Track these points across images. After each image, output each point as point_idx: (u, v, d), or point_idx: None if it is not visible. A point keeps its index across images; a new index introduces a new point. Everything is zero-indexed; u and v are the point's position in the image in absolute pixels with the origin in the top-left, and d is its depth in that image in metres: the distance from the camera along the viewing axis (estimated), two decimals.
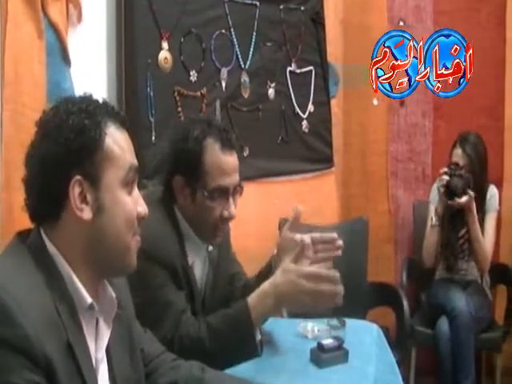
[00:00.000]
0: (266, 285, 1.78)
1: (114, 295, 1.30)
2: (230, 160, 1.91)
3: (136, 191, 1.28)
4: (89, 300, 1.21)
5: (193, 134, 1.89)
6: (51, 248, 1.20)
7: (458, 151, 3.47)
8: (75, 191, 1.18)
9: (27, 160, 1.23)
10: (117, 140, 1.23)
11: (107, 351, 1.28)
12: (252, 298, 1.78)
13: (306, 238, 1.84)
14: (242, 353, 1.78)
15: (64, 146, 1.17)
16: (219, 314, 1.82)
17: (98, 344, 1.26)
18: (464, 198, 3.32)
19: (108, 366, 1.29)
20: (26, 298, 1.08)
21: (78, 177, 1.17)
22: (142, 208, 1.28)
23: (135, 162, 1.27)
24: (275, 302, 1.76)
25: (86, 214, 1.19)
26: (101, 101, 1.27)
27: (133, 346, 1.39)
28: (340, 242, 1.87)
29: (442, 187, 3.38)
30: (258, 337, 1.77)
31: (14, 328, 1.04)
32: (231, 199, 1.92)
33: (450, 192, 3.35)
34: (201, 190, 1.89)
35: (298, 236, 1.89)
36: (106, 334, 1.28)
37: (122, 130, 1.26)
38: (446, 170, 3.38)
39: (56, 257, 1.19)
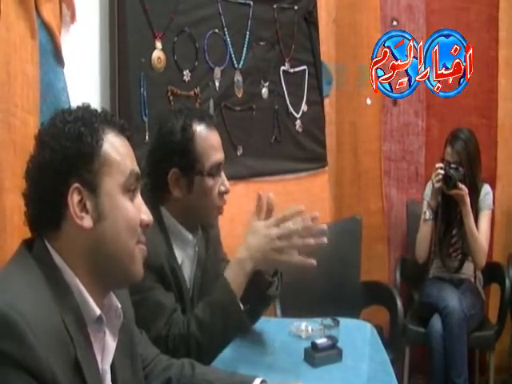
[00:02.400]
0: (238, 252, 1.87)
1: (119, 305, 1.30)
2: (217, 136, 1.99)
3: (139, 198, 1.27)
4: (98, 312, 1.20)
5: (177, 124, 1.93)
6: (57, 259, 1.18)
7: (449, 150, 3.49)
8: (74, 199, 1.17)
9: (26, 172, 1.22)
10: (115, 146, 1.22)
11: (112, 359, 1.28)
12: (229, 270, 1.86)
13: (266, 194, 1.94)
14: (233, 332, 1.85)
15: (61, 154, 1.16)
16: (204, 302, 1.86)
17: (104, 356, 1.25)
18: (463, 186, 3.35)
19: (112, 374, 1.28)
20: (34, 315, 1.06)
21: (76, 184, 1.17)
22: (146, 215, 1.27)
23: (136, 168, 1.26)
24: (253, 264, 1.84)
25: (87, 222, 1.18)
26: (99, 110, 1.26)
27: (134, 351, 1.39)
28: (324, 227, 1.85)
29: (438, 181, 3.40)
30: (241, 307, 1.82)
31: (23, 348, 1.03)
32: (223, 173, 2.00)
33: (448, 182, 3.37)
34: (199, 175, 1.93)
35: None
36: (112, 345, 1.27)
37: (121, 136, 1.25)
38: (441, 165, 3.41)
39: (63, 268, 1.18)
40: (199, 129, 1.94)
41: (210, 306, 1.83)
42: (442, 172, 3.39)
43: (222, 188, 1.98)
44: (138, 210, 1.25)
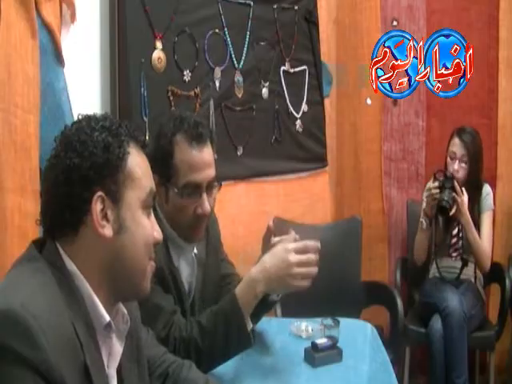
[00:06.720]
0: (253, 271, 1.82)
1: (125, 311, 1.30)
2: (201, 155, 1.88)
3: (152, 215, 1.28)
4: (107, 318, 1.20)
5: (164, 131, 1.89)
6: (69, 264, 1.18)
7: (456, 141, 3.46)
8: (97, 207, 1.17)
9: (47, 172, 1.22)
10: (138, 162, 1.24)
11: (118, 364, 1.28)
12: (240, 288, 1.82)
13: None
14: (235, 345, 1.81)
15: (89, 160, 1.17)
16: (209, 311, 1.84)
17: (110, 360, 1.25)
18: (454, 211, 3.32)
19: (118, 379, 1.28)
20: (46, 318, 1.06)
21: (100, 193, 1.17)
22: (158, 233, 1.28)
23: (154, 186, 1.28)
24: (265, 287, 1.81)
25: (108, 231, 1.18)
26: (122, 122, 1.27)
27: (140, 356, 1.40)
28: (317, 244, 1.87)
29: (434, 200, 3.34)
30: (250, 326, 1.80)
31: (35, 349, 1.03)
32: (204, 195, 1.89)
33: (443, 212, 3.34)
34: (172, 189, 1.87)
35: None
36: (118, 350, 1.27)
37: (142, 153, 1.27)
38: (436, 183, 3.35)
39: (74, 273, 1.18)
40: (182, 144, 1.87)
41: (214, 315, 1.81)
42: (437, 191, 3.33)
43: (199, 210, 1.89)
44: (152, 227, 1.27)
